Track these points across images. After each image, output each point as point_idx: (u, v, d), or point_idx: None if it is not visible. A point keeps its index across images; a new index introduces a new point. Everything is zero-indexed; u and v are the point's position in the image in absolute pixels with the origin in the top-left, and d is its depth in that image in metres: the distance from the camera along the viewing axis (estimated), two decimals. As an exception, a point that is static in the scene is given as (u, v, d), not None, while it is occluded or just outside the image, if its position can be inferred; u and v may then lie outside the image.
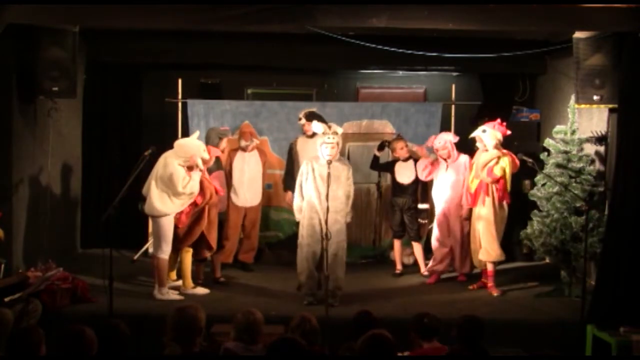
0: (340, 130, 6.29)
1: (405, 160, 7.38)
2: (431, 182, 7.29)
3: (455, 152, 7.06)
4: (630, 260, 5.67)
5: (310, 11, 5.80)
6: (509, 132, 6.76)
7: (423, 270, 7.43)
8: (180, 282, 6.71)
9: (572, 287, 6.62)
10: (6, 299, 5.11)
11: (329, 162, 5.99)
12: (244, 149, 7.37)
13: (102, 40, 7.87)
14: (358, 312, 4.51)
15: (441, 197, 7.12)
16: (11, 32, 5.95)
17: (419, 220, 7.42)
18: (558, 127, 6.93)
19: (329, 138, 6.16)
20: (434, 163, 7.16)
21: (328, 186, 5.94)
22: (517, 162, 6.61)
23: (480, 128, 6.76)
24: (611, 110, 6.66)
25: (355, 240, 7.77)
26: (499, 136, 6.65)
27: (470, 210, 6.95)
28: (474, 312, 5.14)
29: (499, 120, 6.79)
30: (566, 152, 6.77)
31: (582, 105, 6.61)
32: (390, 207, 7.59)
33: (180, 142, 6.45)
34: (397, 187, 7.42)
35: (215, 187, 6.61)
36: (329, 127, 6.23)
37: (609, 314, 5.60)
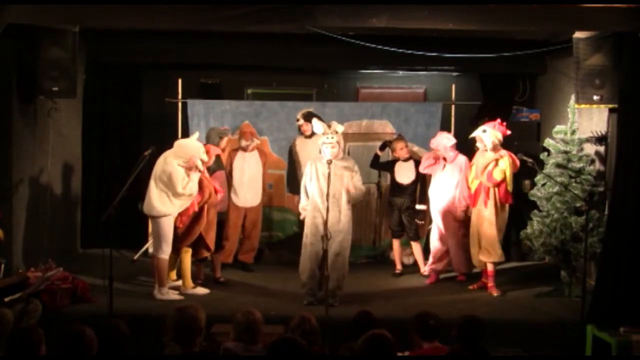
0: (340, 128, 6.28)
1: (406, 160, 7.38)
2: (429, 182, 7.29)
3: (452, 153, 7.06)
4: (630, 260, 5.67)
5: (310, 11, 5.80)
6: (508, 132, 6.76)
7: (422, 270, 7.43)
8: (180, 282, 6.71)
9: (572, 287, 6.62)
10: (6, 299, 5.11)
11: (329, 162, 5.99)
12: (245, 149, 7.38)
13: (102, 40, 7.87)
14: (358, 312, 4.51)
15: (438, 196, 7.12)
16: (11, 32, 5.95)
17: (417, 221, 7.43)
18: (558, 127, 6.93)
19: (328, 138, 6.16)
20: (438, 159, 7.15)
21: (329, 186, 5.94)
22: (518, 162, 6.61)
23: (481, 128, 6.76)
24: (611, 110, 6.66)
25: (355, 240, 7.73)
26: (499, 136, 6.65)
27: (467, 211, 6.96)
28: (474, 312, 5.14)
29: (499, 120, 6.79)
30: (566, 152, 6.77)
31: (582, 105, 6.61)
32: (388, 206, 7.59)
33: (180, 143, 6.45)
34: (396, 187, 7.42)
35: (214, 187, 6.61)
36: (329, 127, 6.23)
37: (609, 314, 5.60)
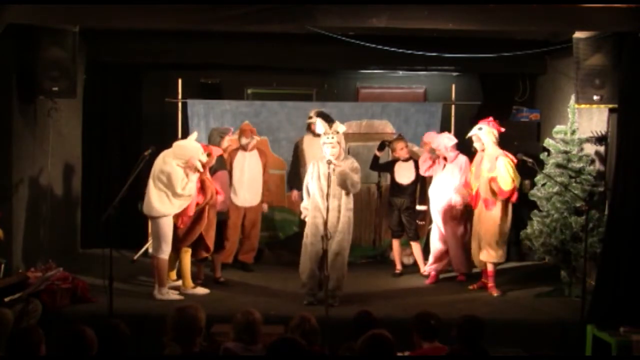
0: (342, 128, 6.28)
1: (406, 160, 7.38)
2: (429, 182, 7.29)
3: (452, 153, 7.06)
4: (630, 260, 5.67)
5: (310, 11, 5.80)
6: (502, 130, 6.76)
7: (422, 270, 7.43)
8: (180, 282, 6.71)
9: (572, 287, 6.62)
10: (6, 299, 5.11)
11: (329, 163, 5.99)
12: (245, 148, 7.37)
13: (102, 40, 7.87)
14: (358, 312, 4.51)
15: (438, 196, 7.12)
16: (11, 32, 5.95)
17: (417, 221, 7.43)
18: (558, 127, 6.93)
19: (328, 138, 6.16)
20: (436, 159, 7.15)
21: (329, 186, 5.94)
22: (515, 160, 6.60)
23: (477, 126, 6.76)
24: (611, 110, 6.66)
25: (355, 240, 7.74)
26: (495, 133, 6.66)
27: (470, 211, 6.96)
28: (474, 312, 5.13)
29: (491, 118, 6.80)
30: (566, 152, 6.76)
31: (582, 105, 6.61)
32: (388, 206, 7.59)
33: (179, 144, 6.44)
34: (395, 187, 7.42)
35: (215, 188, 6.61)
36: (330, 127, 6.23)
37: (609, 314, 5.60)
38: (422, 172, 7.24)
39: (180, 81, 8.20)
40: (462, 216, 7.08)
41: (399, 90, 9.23)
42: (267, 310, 5.55)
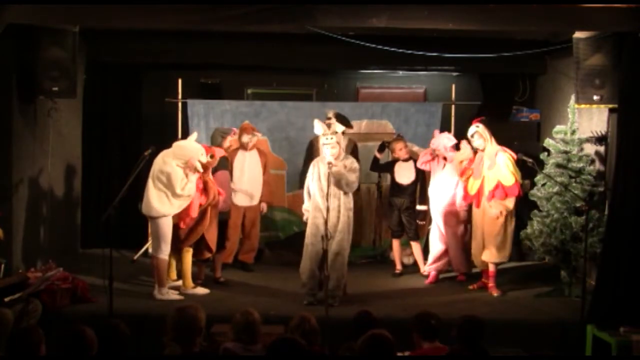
0: (340, 128, 6.28)
1: (405, 160, 7.38)
2: (429, 182, 7.29)
3: (452, 153, 7.06)
4: (630, 260, 5.67)
5: (310, 11, 5.80)
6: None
7: (422, 270, 7.43)
8: (180, 282, 6.71)
9: (572, 287, 6.62)
10: (6, 299, 5.11)
11: (329, 163, 6.00)
12: (245, 147, 7.37)
13: (102, 40, 7.87)
14: (358, 312, 4.51)
15: (438, 196, 7.12)
16: (11, 32, 5.95)
17: (417, 221, 7.43)
18: (558, 127, 6.93)
19: (327, 139, 6.16)
20: (435, 157, 7.15)
21: (328, 186, 5.95)
22: (514, 155, 6.60)
23: (473, 126, 6.76)
24: (611, 110, 6.66)
25: (355, 240, 7.75)
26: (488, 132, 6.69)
27: (469, 210, 6.96)
28: (474, 312, 5.14)
29: (482, 118, 6.82)
30: (566, 152, 6.76)
31: (582, 105, 6.61)
32: (388, 207, 7.59)
33: (179, 144, 6.44)
34: (395, 187, 7.42)
35: (217, 189, 6.62)
36: (329, 127, 6.24)
37: (609, 314, 5.60)
38: (418, 164, 7.24)
39: (180, 81, 8.19)
40: (463, 216, 7.07)
41: (399, 90, 9.23)
42: (267, 310, 5.56)
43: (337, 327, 4.86)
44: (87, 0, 5.74)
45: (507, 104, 8.59)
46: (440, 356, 3.95)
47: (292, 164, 8.16)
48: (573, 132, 6.81)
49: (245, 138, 7.34)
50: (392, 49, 7.26)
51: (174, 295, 6.41)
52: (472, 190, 6.75)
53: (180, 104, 8.23)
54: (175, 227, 6.42)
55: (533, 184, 7.04)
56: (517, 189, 6.53)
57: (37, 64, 6.49)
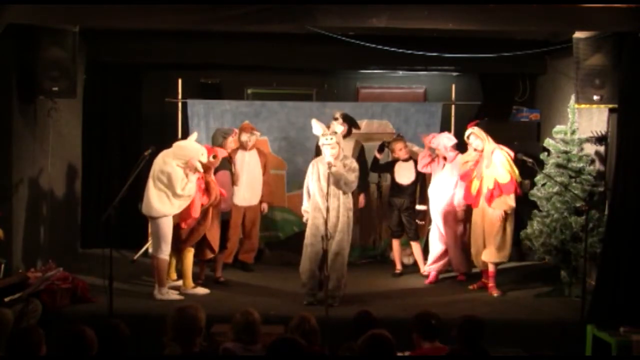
0: (339, 128, 6.28)
1: (405, 160, 7.38)
2: (429, 182, 7.29)
3: (452, 153, 7.06)
4: (630, 260, 5.67)
5: (310, 11, 5.80)
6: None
7: (422, 270, 7.43)
8: (180, 282, 6.71)
9: (572, 287, 6.62)
10: (6, 299, 5.11)
11: (329, 163, 6.00)
12: (245, 146, 7.37)
13: (102, 40, 7.87)
14: (358, 312, 4.51)
15: (438, 196, 7.12)
16: (11, 32, 5.95)
17: (417, 221, 7.43)
18: (558, 127, 6.93)
19: (327, 139, 6.16)
20: (435, 158, 7.15)
21: (328, 186, 5.95)
22: (511, 153, 6.60)
23: (469, 129, 6.77)
24: (611, 110, 6.65)
25: (355, 240, 7.77)
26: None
27: (469, 211, 6.96)
28: (474, 312, 5.14)
29: (476, 122, 6.84)
30: (566, 152, 6.76)
31: (582, 105, 6.60)
32: (388, 207, 7.59)
33: (180, 144, 6.44)
34: (395, 187, 7.42)
35: (219, 190, 6.61)
36: (328, 128, 6.24)
37: (609, 314, 5.60)
38: (419, 168, 7.24)
39: (180, 81, 8.19)
40: (463, 216, 7.07)
41: (399, 90, 9.23)
42: (267, 310, 5.56)
43: (337, 327, 4.86)
44: (87, 0, 5.74)
45: (507, 104, 8.59)
46: (440, 356, 3.95)
47: (292, 164, 8.16)
48: (573, 132, 6.81)
49: (244, 137, 7.34)
50: (392, 49, 7.26)
51: (174, 295, 6.41)
52: (474, 191, 6.76)
53: (180, 104, 8.23)
54: (177, 227, 6.42)
55: (533, 184, 7.04)
56: (513, 187, 6.53)
57: (37, 64, 6.48)
